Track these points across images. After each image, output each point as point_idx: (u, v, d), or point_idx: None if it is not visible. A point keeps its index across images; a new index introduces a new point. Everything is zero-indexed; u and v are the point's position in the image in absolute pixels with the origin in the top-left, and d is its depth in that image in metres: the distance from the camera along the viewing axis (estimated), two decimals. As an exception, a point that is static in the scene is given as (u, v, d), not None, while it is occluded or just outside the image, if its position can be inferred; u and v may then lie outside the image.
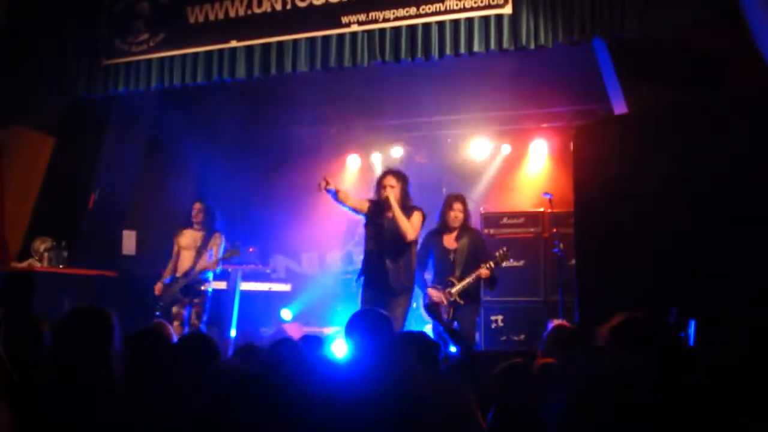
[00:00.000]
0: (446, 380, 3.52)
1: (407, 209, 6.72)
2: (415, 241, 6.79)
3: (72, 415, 3.13)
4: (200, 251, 7.84)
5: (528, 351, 5.75)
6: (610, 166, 5.94)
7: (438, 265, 7.22)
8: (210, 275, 7.85)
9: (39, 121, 9.27)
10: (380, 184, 6.83)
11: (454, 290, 6.98)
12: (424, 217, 6.81)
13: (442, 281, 7.07)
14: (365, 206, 6.89)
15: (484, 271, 7.01)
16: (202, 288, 7.71)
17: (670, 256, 5.44)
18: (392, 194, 6.67)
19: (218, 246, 7.87)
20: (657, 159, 5.70)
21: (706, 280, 5.18)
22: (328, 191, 6.65)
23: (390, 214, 6.67)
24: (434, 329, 6.94)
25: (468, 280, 6.98)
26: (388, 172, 6.97)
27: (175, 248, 8.06)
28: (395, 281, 6.58)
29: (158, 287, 7.81)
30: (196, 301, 7.66)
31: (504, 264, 7.32)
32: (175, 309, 7.60)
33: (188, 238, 8.01)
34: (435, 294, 6.99)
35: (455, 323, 6.92)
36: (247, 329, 9.40)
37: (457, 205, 7.23)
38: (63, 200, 9.20)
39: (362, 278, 6.82)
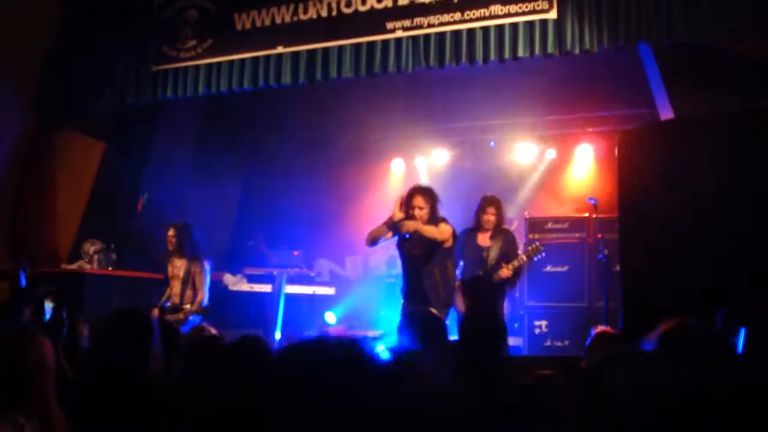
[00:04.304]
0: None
1: (434, 222, 6.66)
2: (452, 254, 6.81)
3: (111, 417, 3.20)
4: (185, 280, 7.53)
5: (571, 357, 5.73)
6: (656, 171, 5.90)
7: (469, 261, 7.34)
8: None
9: (90, 127, 9.46)
10: (409, 205, 6.70)
11: None
12: (453, 230, 6.77)
13: (473, 275, 7.19)
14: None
15: (504, 272, 7.15)
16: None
17: (716, 262, 5.39)
18: (418, 223, 6.57)
19: (201, 275, 7.53)
20: (704, 164, 5.65)
21: (754, 286, 5.13)
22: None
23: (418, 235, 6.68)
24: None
25: (495, 278, 7.13)
26: (417, 191, 6.80)
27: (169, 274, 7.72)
28: (434, 298, 6.56)
29: (155, 313, 7.32)
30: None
31: (535, 257, 7.42)
32: None
33: (174, 266, 7.65)
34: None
35: None
36: (292, 332, 9.48)
37: (491, 209, 7.34)
38: (112, 203, 9.39)
39: (403, 294, 6.90)
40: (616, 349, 4.16)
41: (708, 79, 6.55)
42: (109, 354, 3.49)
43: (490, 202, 7.41)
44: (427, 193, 6.80)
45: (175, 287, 7.57)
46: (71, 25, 9.13)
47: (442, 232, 6.62)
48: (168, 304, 7.51)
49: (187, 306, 7.38)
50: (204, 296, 7.48)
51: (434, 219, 6.70)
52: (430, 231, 6.59)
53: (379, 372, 2.60)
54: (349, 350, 2.96)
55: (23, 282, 6.38)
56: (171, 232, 7.67)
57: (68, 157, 9.38)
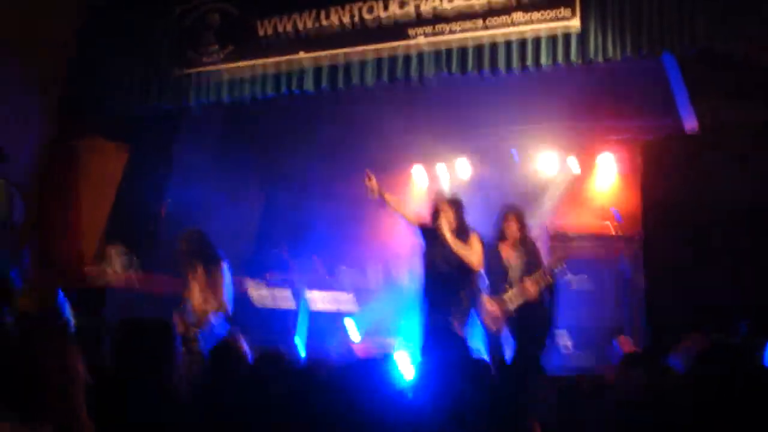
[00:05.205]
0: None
1: (463, 233, 6.77)
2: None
3: (131, 426, 3.22)
4: (205, 283, 7.50)
5: (594, 371, 5.72)
6: (680, 182, 5.88)
7: (493, 275, 7.23)
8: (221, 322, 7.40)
9: (114, 131, 9.52)
10: (434, 211, 6.88)
11: (511, 305, 6.98)
12: (482, 239, 6.85)
13: (497, 289, 7.09)
14: (418, 221, 7.02)
15: (529, 292, 6.92)
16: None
17: (742, 276, 5.36)
18: (446, 225, 6.71)
19: (220, 279, 7.46)
20: (728, 176, 5.62)
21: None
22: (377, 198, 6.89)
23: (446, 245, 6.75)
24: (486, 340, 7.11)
25: (521, 299, 6.95)
26: (442, 199, 6.99)
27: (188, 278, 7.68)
28: (455, 310, 6.64)
29: (176, 319, 7.30)
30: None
31: (557, 269, 7.27)
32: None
33: (192, 271, 7.56)
34: (489, 305, 7.01)
35: (508, 330, 7.03)
36: (314, 343, 9.46)
37: (512, 219, 7.23)
38: (136, 208, 9.45)
39: (424, 303, 6.92)
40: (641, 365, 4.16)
41: (732, 89, 6.50)
42: (131, 363, 3.52)
43: (512, 211, 7.32)
44: (452, 201, 6.94)
45: (195, 291, 7.59)
46: (94, 30, 9.21)
47: (477, 254, 6.70)
48: (189, 307, 7.55)
49: (208, 307, 7.39)
50: (225, 295, 7.49)
51: (463, 229, 6.77)
52: (466, 255, 6.69)
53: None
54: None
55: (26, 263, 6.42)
56: (183, 243, 7.68)
57: (92, 163, 9.44)
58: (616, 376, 4.21)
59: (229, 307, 7.45)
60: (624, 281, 7.99)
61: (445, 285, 6.75)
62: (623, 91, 8.89)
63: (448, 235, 6.68)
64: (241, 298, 8.98)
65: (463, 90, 9.11)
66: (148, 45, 8.91)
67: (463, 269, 6.72)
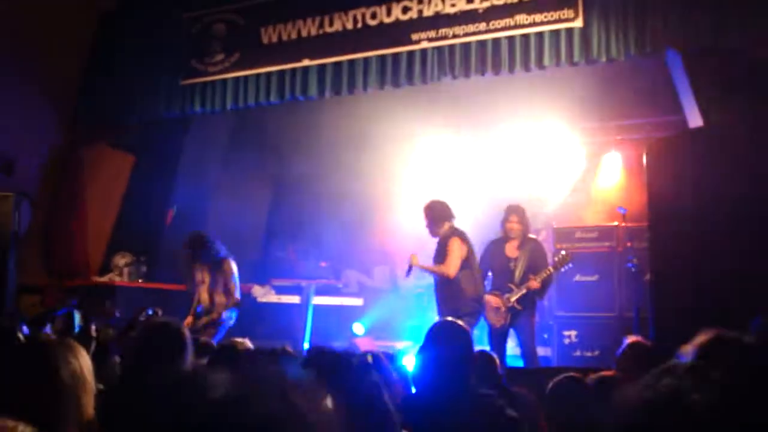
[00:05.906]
0: (519, 398, 3.53)
1: (442, 239, 6.98)
2: (469, 265, 6.93)
3: (139, 425, 3.19)
4: (212, 285, 7.48)
5: (602, 367, 5.68)
6: (686, 180, 5.86)
7: (497, 273, 7.31)
8: (231, 314, 7.44)
9: (120, 141, 9.57)
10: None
11: (513, 297, 7.03)
12: (464, 240, 6.96)
13: (501, 288, 7.14)
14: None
15: (533, 283, 7.02)
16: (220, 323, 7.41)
17: (749, 272, 5.32)
18: (423, 265, 7.08)
19: (228, 276, 7.46)
20: (734, 172, 5.60)
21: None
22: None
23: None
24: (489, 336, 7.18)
25: (524, 290, 7.01)
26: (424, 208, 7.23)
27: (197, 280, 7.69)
28: (447, 309, 6.72)
29: (188, 322, 7.33)
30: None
31: (563, 268, 7.33)
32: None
33: (198, 274, 7.60)
34: (493, 300, 7.06)
35: (512, 329, 7.12)
36: (320, 343, 9.45)
37: (513, 217, 7.30)
38: (142, 216, 9.48)
39: (435, 301, 7.15)
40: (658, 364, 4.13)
41: (737, 85, 6.46)
42: (142, 366, 3.51)
43: (513, 210, 7.39)
44: (424, 210, 7.18)
45: (203, 293, 7.57)
46: (103, 41, 9.28)
47: (450, 263, 6.84)
48: (200, 309, 7.53)
49: (220, 304, 7.36)
50: (233, 289, 7.46)
51: (438, 230, 7.03)
52: (434, 269, 7.00)
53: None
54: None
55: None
56: (186, 245, 7.64)
57: (99, 170, 9.50)
58: (622, 368, 4.19)
59: (238, 298, 7.46)
60: (630, 276, 7.97)
61: (448, 288, 6.85)
62: (629, 91, 8.85)
63: (417, 265, 7.08)
64: (247, 296, 9.00)
65: (472, 91, 9.09)
66: (155, 55, 8.96)
67: (441, 276, 6.94)
